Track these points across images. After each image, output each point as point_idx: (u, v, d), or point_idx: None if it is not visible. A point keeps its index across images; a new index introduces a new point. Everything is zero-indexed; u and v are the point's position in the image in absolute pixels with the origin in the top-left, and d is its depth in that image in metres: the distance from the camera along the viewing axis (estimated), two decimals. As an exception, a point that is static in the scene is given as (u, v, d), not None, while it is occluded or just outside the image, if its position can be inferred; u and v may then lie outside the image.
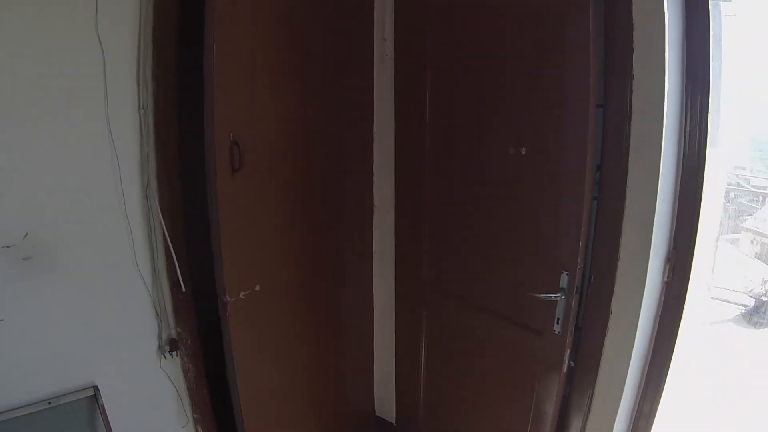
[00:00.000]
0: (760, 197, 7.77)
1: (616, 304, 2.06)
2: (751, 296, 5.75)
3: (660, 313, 2.07)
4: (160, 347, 2.38)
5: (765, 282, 5.76)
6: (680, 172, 1.95)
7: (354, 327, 2.97)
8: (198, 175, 2.11)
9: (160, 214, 2.23)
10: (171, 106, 2.21)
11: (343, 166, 2.68)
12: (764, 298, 5.68)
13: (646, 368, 2.14)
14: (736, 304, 5.87)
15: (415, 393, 2.92)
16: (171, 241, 2.25)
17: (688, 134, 1.91)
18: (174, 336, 2.40)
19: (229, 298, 2.17)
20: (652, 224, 1.91)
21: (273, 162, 2.31)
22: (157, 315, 2.34)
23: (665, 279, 2.03)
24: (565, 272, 2.05)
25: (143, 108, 2.14)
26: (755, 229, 7.20)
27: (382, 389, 3.16)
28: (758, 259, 7.05)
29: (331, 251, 2.74)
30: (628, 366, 2.07)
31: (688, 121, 1.90)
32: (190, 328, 2.45)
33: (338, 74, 2.55)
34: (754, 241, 7.24)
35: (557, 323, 2.12)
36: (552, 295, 2.07)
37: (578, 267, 2.02)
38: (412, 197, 2.67)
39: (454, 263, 2.56)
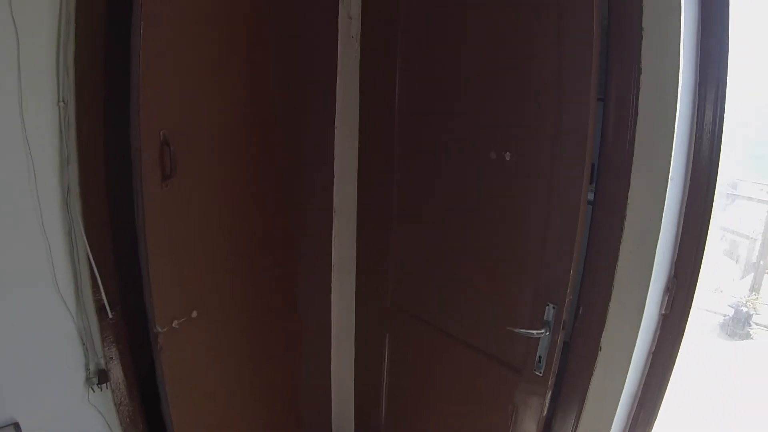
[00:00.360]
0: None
1: (606, 339, 1.80)
2: (730, 306, 5.57)
3: (654, 349, 1.83)
4: (87, 379, 2.07)
5: (734, 281, 5.58)
6: (688, 185, 1.68)
7: (310, 347, 2.66)
8: (129, 181, 1.81)
9: (83, 227, 1.89)
10: (97, 100, 1.85)
11: (299, 165, 2.37)
12: (743, 308, 5.50)
13: (634, 409, 1.90)
14: (712, 312, 5.70)
15: (375, 423, 2.63)
16: (96, 259, 1.92)
17: (700, 141, 1.63)
18: (103, 366, 2.10)
19: (159, 329, 1.88)
20: (655, 248, 1.64)
21: (214, 164, 2.00)
22: (83, 343, 2.03)
23: (662, 311, 1.78)
24: (551, 305, 1.75)
25: (63, 101, 1.79)
26: (725, 225, 7.06)
27: (340, 415, 2.86)
28: (727, 256, 6.98)
29: (285, 264, 2.44)
30: (616, 409, 1.83)
31: (701, 125, 1.62)
32: (122, 356, 2.13)
33: (294, 59, 2.22)
34: (724, 238, 7.10)
35: (539, 362, 1.82)
36: (534, 332, 1.77)
37: (567, 299, 1.70)
38: (377, 204, 2.37)
39: (422, 283, 2.26)
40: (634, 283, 1.70)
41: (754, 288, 5.75)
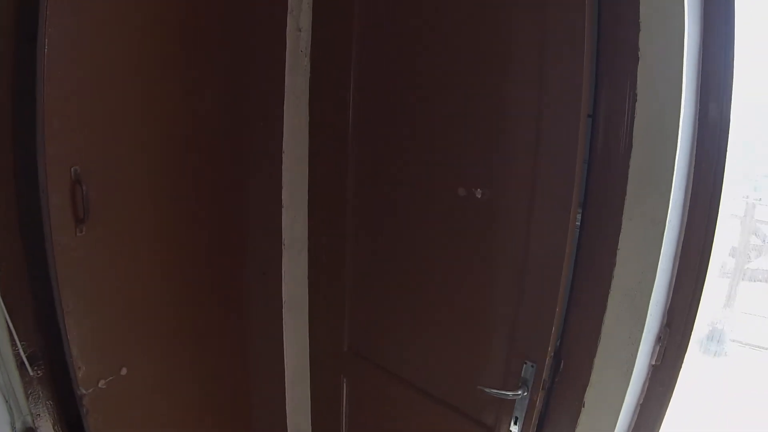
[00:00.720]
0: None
1: (590, 394, 1.59)
2: (705, 323, 5.45)
3: (642, 401, 1.63)
4: (14, 438, 1.88)
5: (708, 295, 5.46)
6: (685, 225, 1.47)
7: (262, 395, 2.40)
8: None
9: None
10: (3, 124, 1.58)
11: (241, 195, 2.12)
12: (719, 325, 5.39)
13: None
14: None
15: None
16: (10, 310, 1.68)
17: (701, 175, 1.43)
18: (30, 424, 1.89)
19: (84, 391, 1.67)
20: (649, 298, 1.44)
21: (145, 201, 1.76)
22: (6, 400, 1.83)
23: (653, 362, 1.57)
24: (529, 363, 1.51)
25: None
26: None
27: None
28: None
29: (231, 305, 2.19)
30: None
31: (704, 157, 1.41)
32: (51, 412, 1.89)
33: (234, 77, 1.98)
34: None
35: (515, 423, 1.58)
36: (510, 393, 1.54)
37: (548, 357, 1.47)
38: (330, 239, 2.13)
39: (382, 327, 2.03)
40: (623, 337, 1.49)
41: (729, 303, 5.64)
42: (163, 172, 1.80)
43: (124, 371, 1.79)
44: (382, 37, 1.85)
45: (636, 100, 1.35)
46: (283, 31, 2.02)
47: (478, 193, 1.58)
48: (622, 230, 1.43)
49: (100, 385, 1.71)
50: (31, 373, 1.76)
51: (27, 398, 1.83)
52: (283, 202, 2.17)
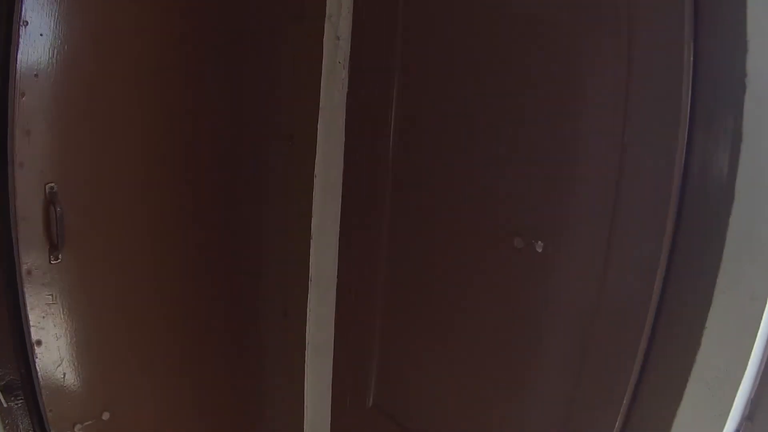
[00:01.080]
0: None
1: None
2: None
3: None
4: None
5: None
6: None
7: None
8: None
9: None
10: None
11: (263, 221, 1.87)
12: None
13: None
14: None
15: None
16: None
17: None
18: None
19: None
20: (736, 391, 1.14)
21: (137, 223, 1.55)
22: None
23: None
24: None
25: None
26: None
27: None
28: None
29: (243, 344, 1.93)
30: None
31: None
32: None
33: (258, 88, 1.73)
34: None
35: None
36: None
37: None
38: (361, 276, 1.84)
39: (412, 385, 1.75)
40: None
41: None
42: (163, 192, 1.58)
43: (106, 416, 1.57)
44: (430, 51, 1.58)
45: (741, 141, 1.02)
46: (320, 39, 1.76)
47: (539, 246, 1.28)
48: (712, 305, 1.12)
49: (76, 429, 1.51)
50: (5, 404, 1.55)
51: (4, 428, 1.63)
52: (312, 232, 1.91)
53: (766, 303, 1.05)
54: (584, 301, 1.23)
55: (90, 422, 1.52)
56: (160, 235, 1.61)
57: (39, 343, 1.35)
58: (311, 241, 1.92)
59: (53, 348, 1.39)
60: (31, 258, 1.29)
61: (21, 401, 1.54)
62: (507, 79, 1.39)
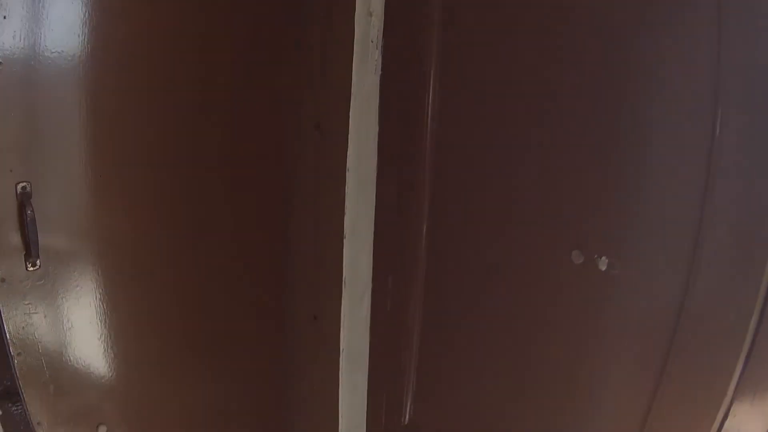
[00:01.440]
0: None
1: None
2: None
3: None
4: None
5: None
6: None
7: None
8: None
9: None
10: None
11: (289, 220, 1.72)
12: None
13: None
14: None
15: None
16: None
17: None
18: None
19: None
20: None
21: (139, 228, 1.40)
22: None
23: None
24: None
25: None
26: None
27: None
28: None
29: (264, 349, 1.79)
30: None
31: None
32: None
33: (278, 70, 1.57)
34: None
35: None
36: None
37: None
38: (397, 280, 1.69)
39: (451, 404, 1.62)
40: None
41: None
42: (170, 189, 1.44)
43: (102, 430, 1.44)
44: (476, 31, 1.36)
45: None
46: (351, 16, 1.56)
47: (602, 263, 1.06)
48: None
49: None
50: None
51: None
52: (345, 231, 1.72)
53: None
54: (659, 334, 1.02)
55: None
56: (174, 236, 1.47)
57: (20, 355, 1.24)
58: (344, 240, 1.74)
59: (35, 360, 1.27)
60: (5, 265, 1.16)
61: (19, 407, 1.40)
62: (578, 72, 1.17)
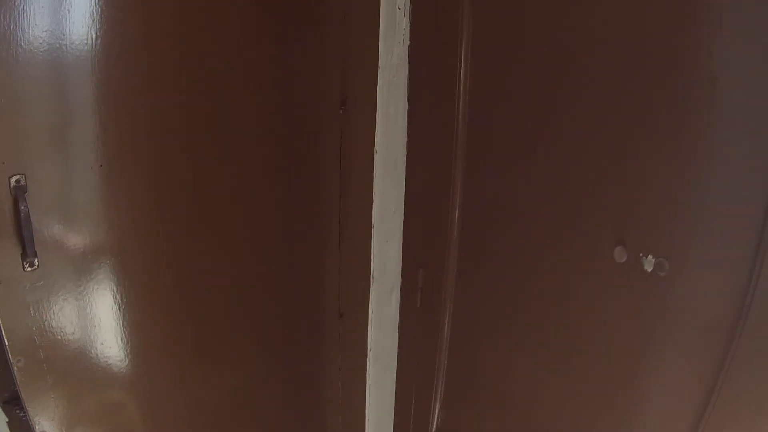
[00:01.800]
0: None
1: None
2: None
3: None
4: None
5: None
6: None
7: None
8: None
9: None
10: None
11: (311, 207, 1.57)
12: None
13: None
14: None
15: None
16: None
17: None
18: None
19: None
20: None
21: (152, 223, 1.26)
22: None
23: None
24: None
25: None
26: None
27: None
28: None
29: (287, 347, 1.64)
30: None
31: None
32: None
33: (302, 39, 1.41)
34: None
35: None
36: None
37: None
38: (427, 274, 1.54)
39: (482, 414, 1.49)
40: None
41: None
42: (182, 178, 1.28)
43: None
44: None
45: None
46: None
47: (648, 263, 0.87)
48: None
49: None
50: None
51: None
52: (373, 220, 1.57)
53: None
54: (715, 333, 0.82)
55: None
56: (186, 232, 1.34)
57: (19, 362, 1.12)
58: (373, 231, 1.59)
59: (36, 367, 1.16)
60: (0, 266, 1.04)
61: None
62: (625, 54, 0.98)
